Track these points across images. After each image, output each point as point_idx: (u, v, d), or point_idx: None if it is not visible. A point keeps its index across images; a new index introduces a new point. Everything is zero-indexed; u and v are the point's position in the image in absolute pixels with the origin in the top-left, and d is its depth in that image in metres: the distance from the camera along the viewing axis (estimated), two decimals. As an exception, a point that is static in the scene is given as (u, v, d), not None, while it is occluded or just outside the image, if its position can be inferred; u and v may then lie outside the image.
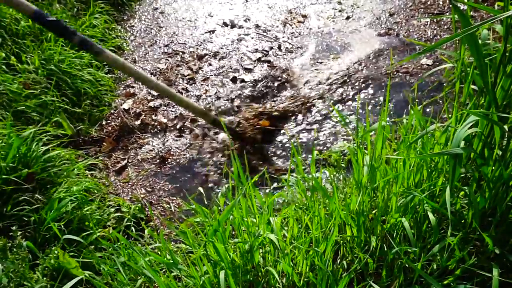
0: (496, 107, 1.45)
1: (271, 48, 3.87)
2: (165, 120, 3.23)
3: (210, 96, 3.43)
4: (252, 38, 4.05)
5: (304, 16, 4.25)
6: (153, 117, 3.27)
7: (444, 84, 3.15)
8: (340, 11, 4.26)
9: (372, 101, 3.20)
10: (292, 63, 3.66)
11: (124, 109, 3.33)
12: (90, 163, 2.77)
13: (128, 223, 2.39)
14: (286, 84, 3.48)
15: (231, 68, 3.67)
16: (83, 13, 3.97)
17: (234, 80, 3.55)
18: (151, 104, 3.39)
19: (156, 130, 3.18)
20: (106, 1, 4.23)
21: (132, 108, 3.35)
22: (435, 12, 3.99)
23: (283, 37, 4.01)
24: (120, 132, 3.15)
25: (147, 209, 2.53)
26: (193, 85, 3.57)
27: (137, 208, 2.45)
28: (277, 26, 4.17)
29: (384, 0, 4.31)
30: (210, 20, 4.37)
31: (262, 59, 3.73)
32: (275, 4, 4.50)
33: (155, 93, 3.48)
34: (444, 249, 1.48)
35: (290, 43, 3.91)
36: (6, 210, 2.13)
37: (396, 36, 3.79)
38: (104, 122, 3.20)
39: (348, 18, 4.14)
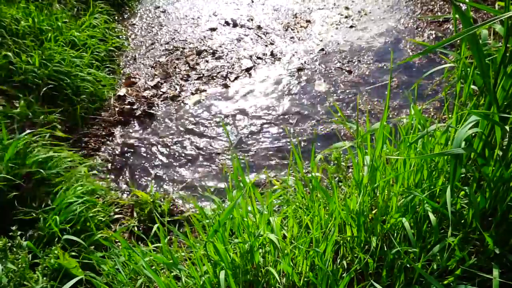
0: (497, 107, 1.45)
1: (264, 54, 3.83)
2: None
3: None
4: (251, 39, 4.04)
5: (308, 21, 4.21)
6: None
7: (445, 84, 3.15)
8: (346, 17, 4.21)
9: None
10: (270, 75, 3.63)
11: (119, 95, 3.39)
12: (89, 161, 2.77)
13: (133, 223, 2.39)
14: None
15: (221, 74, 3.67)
16: (83, 13, 3.97)
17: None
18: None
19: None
20: (106, 1, 4.23)
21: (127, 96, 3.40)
22: (441, 20, 3.95)
23: (280, 41, 3.99)
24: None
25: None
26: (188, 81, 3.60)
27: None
28: (279, 30, 4.14)
29: (391, 8, 4.25)
30: (213, 18, 4.38)
31: (250, 70, 3.70)
32: (281, 7, 4.48)
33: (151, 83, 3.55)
34: (444, 249, 1.48)
35: (283, 50, 3.87)
36: (9, 210, 2.14)
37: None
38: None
39: (352, 27, 4.08)
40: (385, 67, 3.53)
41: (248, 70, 3.68)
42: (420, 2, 4.22)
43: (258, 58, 3.79)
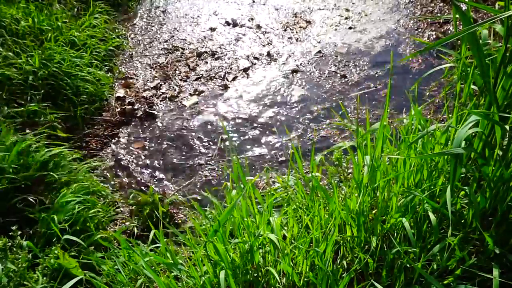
0: (497, 107, 1.45)
1: (261, 55, 3.81)
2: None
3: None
4: (250, 39, 4.02)
5: (308, 22, 4.16)
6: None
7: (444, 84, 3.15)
8: (346, 18, 4.15)
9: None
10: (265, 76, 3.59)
11: (118, 96, 3.40)
12: (90, 162, 2.77)
13: (133, 223, 2.40)
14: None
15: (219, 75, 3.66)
16: (83, 13, 3.97)
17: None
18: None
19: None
20: (106, 1, 4.24)
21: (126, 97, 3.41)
22: (441, 21, 3.91)
23: (278, 41, 3.96)
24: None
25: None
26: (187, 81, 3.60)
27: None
28: (277, 29, 4.12)
29: (391, 10, 4.19)
30: (214, 18, 4.37)
31: (248, 70, 3.67)
32: (281, 6, 4.45)
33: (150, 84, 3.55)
34: (444, 249, 1.48)
35: (280, 51, 3.84)
36: (11, 209, 2.14)
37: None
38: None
39: (351, 28, 4.01)
40: (377, 74, 3.44)
41: (245, 70, 3.68)
42: (420, 4, 4.21)
43: (255, 58, 3.78)
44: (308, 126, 3.08)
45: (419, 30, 3.87)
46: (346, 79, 3.45)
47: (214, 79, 3.60)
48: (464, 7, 3.02)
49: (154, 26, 4.32)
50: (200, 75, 3.65)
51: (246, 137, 3.07)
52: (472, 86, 1.73)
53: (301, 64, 3.68)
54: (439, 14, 4.02)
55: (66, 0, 3.98)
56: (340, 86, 3.39)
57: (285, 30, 4.11)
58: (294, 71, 3.60)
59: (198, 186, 2.74)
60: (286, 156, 2.86)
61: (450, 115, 1.99)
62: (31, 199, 2.19)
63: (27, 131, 2.63)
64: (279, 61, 3.74)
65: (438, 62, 3.46)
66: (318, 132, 3.00)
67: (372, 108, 3.13)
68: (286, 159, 2.84)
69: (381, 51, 3.72)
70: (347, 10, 4.28)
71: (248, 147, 2.99)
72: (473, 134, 1.56)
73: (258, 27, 4.17)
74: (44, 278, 1.81)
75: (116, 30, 4.13)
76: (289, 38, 4.00)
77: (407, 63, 3.48)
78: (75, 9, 3.97)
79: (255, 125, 3.16)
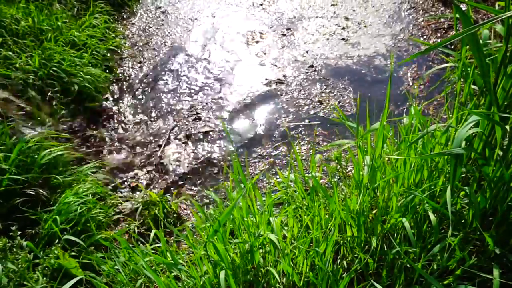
0: (497, 107, 1.44)
1: (250, 59, 3.80)
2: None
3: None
4: (241, 42, 4.03)
5: (294, 30, 4.06)
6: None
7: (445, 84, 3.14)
8: (343, 28, 4.00)
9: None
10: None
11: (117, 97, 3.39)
12: (91, 162, 2.77)
13: (135, 224, 2.39)
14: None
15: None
16: (83, 13, 3.97)
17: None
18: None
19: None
20: (106, 1, 4.24)
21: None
22: (446, 27, 3.86)
23: (269, 47, 3.92)
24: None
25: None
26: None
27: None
28: (272, 36, 4.06)
29: (393, 19, 4.05)
30: (210, 19, 4.39)
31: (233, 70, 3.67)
32: (280, 13, 4.40)
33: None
34: (444, 249, 1.48)
35: (270, 58, 3.76)
36: (14, 210, 2.14)
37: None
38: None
39: (343, 39, 3.85)
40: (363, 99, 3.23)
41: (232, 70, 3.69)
42: (422, 9, 4.17)
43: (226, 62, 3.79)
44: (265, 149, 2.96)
45: (424, 37, 3.82)
46: (322, 105, 3.22)
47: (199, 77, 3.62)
48: (464, 7, 3.02)
49: (152, 27, 4.33)
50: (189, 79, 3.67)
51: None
52: (472, 86, 1.73)
53: (285, 76, 3.56)
54: (441, 18, 4.00)
55: (66, 0, 3.98)
56: (311, 113, 3.18)
57: (279, 37, 4.05)
58: (279, 82, 3.50)
59: (205, 185, 2.75)
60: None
61: (450, 115, 1.99)
62: (34, 200, 2.19)
63: (27, 131, 2.63)
64: (266, 66, 3.71)
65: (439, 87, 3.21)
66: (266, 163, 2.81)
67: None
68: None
69: (381, 69, 3.53)
70: (346, 18, 4.16)
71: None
72: (473, 134, 1.56)
73: (253, 31, 4.15)
74: (44, 278, 1.81)
75: (116, 30, 4.13)
76: (282, 46, 3.91)
77: (407, 88, 3.32)
78: (75, 9, 3.97)
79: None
